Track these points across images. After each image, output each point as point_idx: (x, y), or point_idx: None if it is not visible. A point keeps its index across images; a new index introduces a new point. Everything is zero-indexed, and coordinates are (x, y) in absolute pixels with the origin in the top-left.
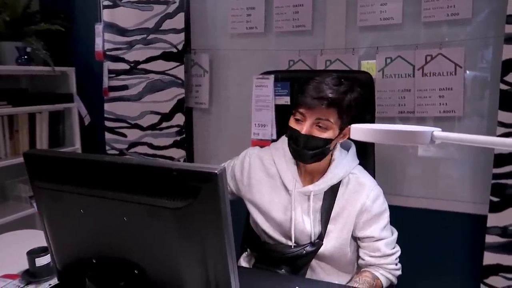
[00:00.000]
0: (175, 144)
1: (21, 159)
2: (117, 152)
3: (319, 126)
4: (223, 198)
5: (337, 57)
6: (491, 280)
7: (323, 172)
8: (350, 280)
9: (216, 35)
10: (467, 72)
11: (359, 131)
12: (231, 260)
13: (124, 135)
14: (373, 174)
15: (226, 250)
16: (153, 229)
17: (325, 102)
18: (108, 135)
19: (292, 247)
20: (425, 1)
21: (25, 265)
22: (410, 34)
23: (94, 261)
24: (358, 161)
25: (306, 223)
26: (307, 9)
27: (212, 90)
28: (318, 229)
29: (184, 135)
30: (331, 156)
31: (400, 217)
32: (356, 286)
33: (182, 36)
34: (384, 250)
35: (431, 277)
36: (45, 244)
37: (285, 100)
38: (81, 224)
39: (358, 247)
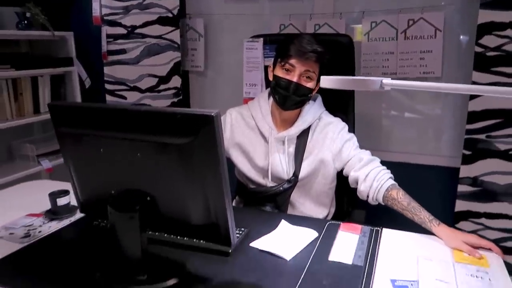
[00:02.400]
0: (173, 105)
1: (26, 120)
2: None
3: (307, 77)
4: (218, 136)
5: (326, 21)
6: (461, 225)
7: (294, 120)
8: (328, 214)
9: (210, 0)
10: (446, 35)
11: (327, 80)
12: (226, 191)
13: (124, 97)
14: (353, 129)
15: (222, 180)
16: (162, 164)
17: (315, 55)
18: (108, 97)
19: (272, 185)
20: None
21: (46, 206)
22: None
23: (113, 192)
24: (324, 108)
25: (283, 164)
26: None
27: (207, 54)
28: (293, 168)
29: (181, 97)
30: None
31: None
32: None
33: (177, 1)
34: (366, 157)
35: (408, 222)
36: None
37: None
38: (101, 162)
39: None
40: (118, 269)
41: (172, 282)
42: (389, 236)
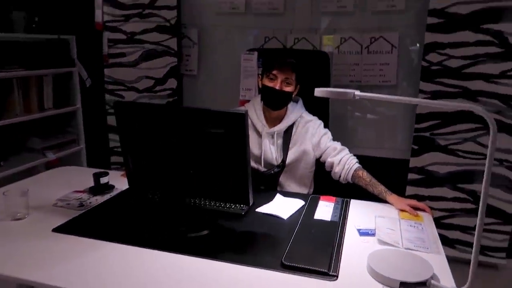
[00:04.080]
0: (168, 105)
1: (33, 116)
2: None
3: (286, 83)
4: (246, 127)
5: (304, 35)
6: None
7: (281, 118)
8: (308, 193)
9: (204, 12)
10: (400, 51)
11: (319, 91)
12: (249, 165)
13: (122, 96)
14: (327, 127)
15: (246, 158)
16: (205, 146)
17: (291, 66)
18: (108, 96)
19: (265, 170)
20: None
21: (88, 185)
22: (359, 20)
23: (162, 167)
24: (304, 109)
25: (273, 153)
26: None
27: (200, 59)
28: (280, 156)
29: (176, 97)
30: (286, 107)
31: None
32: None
33: (175, 12)
34: (339, 147)
35: (364, 197)
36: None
37: None
38: (157, 147)
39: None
40: (164, 224)
41: (205, 232)
42: (355, 204)
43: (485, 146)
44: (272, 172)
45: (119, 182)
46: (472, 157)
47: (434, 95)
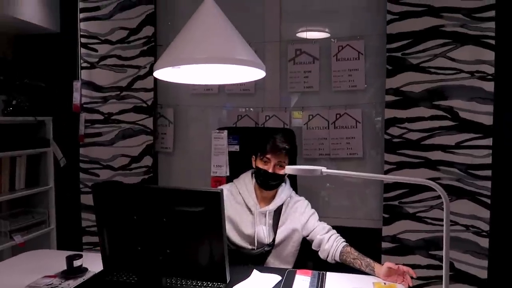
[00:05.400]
0: (143, 182)
1: (2, 198)
2: (90, 190)
3: (280, 166)
4: (222, 207)
5: (274, 113)
6: None
7: (272, 197)
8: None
9: (179, 93)
10: (364, 126)
11: (289, 169)
12: (225, 245)
13: (97, 175)
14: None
15: (223, 238)
16: (181, 225)
17: (284, 151)
18: (82, 175)
19: (256, 249)
20: (333, 76)
21: (59, 268)
22: (325, 98)
23: (139, 248)
24: (292, 189)
25: (264, 232)
26: None
27: (176, 137)
28: (271, 235)
29: (151, 174)
30: None
31: None
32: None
33: (151, 94)
34: (326, 226)
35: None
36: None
37: (235, 148)
38: (132, 226)
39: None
40: None
41: None
42: (331, 276)
43: (451, 212)
44: (264, 250)
45: (93, 264)
46: (440, 223)
47: (399, 166)
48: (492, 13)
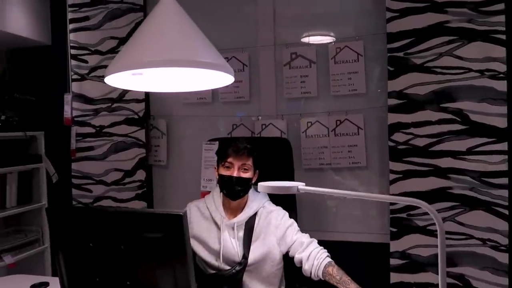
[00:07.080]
0: (137, 197)
1: None
2: (83, 206)
3: (244, 169)
4: (186, 230)
5: (271, 121)
6: None
7: (242, 208)
8: None
9: (172, 103)
10: (367, 132)
11: (261, 186)
12: (192, 276)
13: (90, 191)
14: (295, 214)
15: (188, 267)
16: (141, 253)
17: (246, 151)
18: (75, 191)
19: (227, 269)
20: (332, 79)
21: None
22: (324, 104)
23: (97, 279)
24: (268, 198)
25: (234, 247)
26: (245, 84)
27: (169, 150)
28: (242, 251)
29: (145, 189)
30: (247, 196)
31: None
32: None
33: (143, 105)
34: (306, 240)
35: None
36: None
37: None
38: (89, 254)
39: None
40: None
41: None
42: None
43: (465, 225)
44: (234, 271)
45: None
46: (452, 237)
47: (406, 175)
48: (501, 6)
